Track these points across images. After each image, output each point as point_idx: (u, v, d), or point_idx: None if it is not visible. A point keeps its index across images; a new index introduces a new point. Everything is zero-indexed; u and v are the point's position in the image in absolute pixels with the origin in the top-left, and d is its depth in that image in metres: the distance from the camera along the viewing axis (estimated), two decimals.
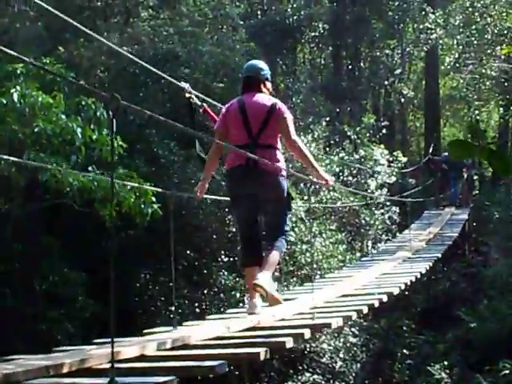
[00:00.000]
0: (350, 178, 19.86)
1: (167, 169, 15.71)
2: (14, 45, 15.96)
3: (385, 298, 9.04)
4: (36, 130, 11.66)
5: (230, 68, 17.80)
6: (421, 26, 26.87)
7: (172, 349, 5.63)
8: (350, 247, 18.45)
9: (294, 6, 26.11)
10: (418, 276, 12.15)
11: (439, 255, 15.31)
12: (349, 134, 21.79)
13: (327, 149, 20.06)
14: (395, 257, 14.47)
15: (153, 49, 17.18)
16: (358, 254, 18.36)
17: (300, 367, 15.61)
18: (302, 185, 16.17)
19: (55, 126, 11.67)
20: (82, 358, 4.93)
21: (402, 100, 30.46)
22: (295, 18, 25.18)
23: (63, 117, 11.71)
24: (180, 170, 15.63)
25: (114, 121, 3.97)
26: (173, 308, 8.28)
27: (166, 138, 15.99)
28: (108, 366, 4.52)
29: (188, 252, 15.54)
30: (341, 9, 27.42)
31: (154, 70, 8.10)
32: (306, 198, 16.03)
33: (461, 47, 26.00)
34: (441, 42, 28.11)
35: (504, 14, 23.86)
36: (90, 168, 11.99)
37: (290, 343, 5.86)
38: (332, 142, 21.50)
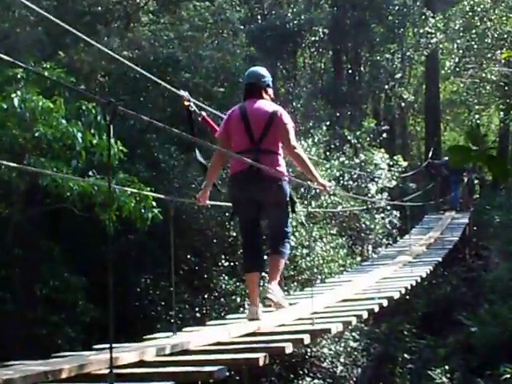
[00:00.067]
0: (351, 183, 19.85)
1: (168, 173, 15.71)
2: (14, 49, 15.98)
3: (385, 303, 9.03)
4: (36, 134, 11.68)
5: (231, 72, 17.83)
6: (421, 31, 26.89)
7: (171, 354, 5.63)
8: (350, 251, 18.44)
9: (294, 10, 26.10)
10: (419, 280, 12.14)
11: (440, 259, 15.29)
12: (349, 138, 21.80)
13: (327, 153, 20.07)
14: (395, 261, 14.46)
15: (153, 53, 17.18)
16: (359, 259, 18.34)
17: (301, 372, 15.59)
18: (302, 189, 16.16)
19: (56, 131, 11.69)
20: (81, 363, 4.92)
21: (403, 104, 30.49)
22: (295, 22, 25.17)
23: (63, 121, 11.72)
24: (180, 175, 15.63)
25: (113, 125, 3.97)
26: (173, 313, 8.25)
27: (167, 143, 16.00)
28: (107, 371, 4.51)
29: (188, 256, 15.54)
30: (341, 13, 27.44)
31: (152, 76, 8.07)
32: (306, 202, 16.03)
33: (461, 51, 25.93)
34: (441, 46, 28.09)
35: (504, 18, 23.82)
36: (90, 173, 12.00)
37: (289, 348, 5.86)
38: (332, 146, 21.52)
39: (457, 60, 26.10)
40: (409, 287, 11.10)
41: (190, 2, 19.35)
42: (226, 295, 15.12)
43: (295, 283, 15.41)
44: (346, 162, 20.08)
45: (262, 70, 7.73)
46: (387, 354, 18.50)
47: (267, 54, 23.16)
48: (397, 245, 18.91)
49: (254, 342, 6.19)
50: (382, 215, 20.44)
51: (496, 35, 23.50)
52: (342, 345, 16.23)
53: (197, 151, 7.97)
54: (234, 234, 15.28)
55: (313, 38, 27.54)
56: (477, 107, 27.59)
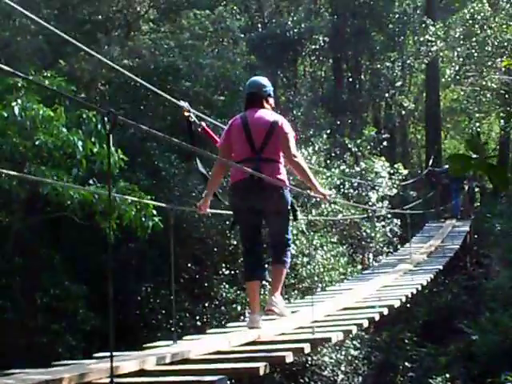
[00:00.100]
0: (351, 191, 19.84)
1: (168, 182, 15.72)
2: (15, 58, 16.01)
3: (385, 311, 9.02)
4: (37, 143, 11.68)
5: (231, 81, 17.85)
6: (421, 39, 26.87)
7: (171, 363, 5.61)
8: (351, 260, 18.43)
9: (295, 18, 26.14)
10: (419, 288, 12.13)
11: (440, 267, 15.27)
12: (349, 146, 21.81)
13: (328, 161, 20.06)
14: (396, 269, 14.44)
15: (154, 62, 17.20)
16: (359, 267, 18.33)
17: (301, 380, 15.56)
18: (302, 198, 16.17)
19: (56, 139, 11.69)
20: (82, 372, 4.91)
21: (403, 112, 30.50)
22: (296, 30, 25.20)
23: (64, 130, 11.73)
24: (181, 183, 15.64)
25: (113, 134, 3.98)
26: (174, 321, 8.24)
27: (167, 151, 16.02)
28: (107, 380, 4.52)
29: (189, 265, 15.55)
30: (341, 21, 27.49)
31: (151, 87, 8.08)
32: (306, 210, 16.02)
33: (461, 59, 25.94)
34: (441, 54, 28.09)
35: (504, 26, 23.83)
36: (90, 181, 12.00)
37: (289, 358, 5.84)
38: (333, 154, 21.52)
39: (457, 68, 26.11)
40: (409, 295, 11.08)
41: (191, 11, 19.37)
42: (227, 304, 15.11)
43: (296, 291, 15.40)
44: (347, 170, 20.08)
45: (263, 80, 7.75)
46: (388, 362, 18.49)
47: (267, 63, 23.19)
48: (397, 253, 18.89)
49: (254, 351, 6.18)
50: (383, 223, 20.44)
51: (496, 43, 23.52)
52: (343, 353, 16.21)
53: (198, 161, 7.97)
54: (235, 243, 15.28)
55: (313, 47, 27.59)
56: (477, 115, 27.60)
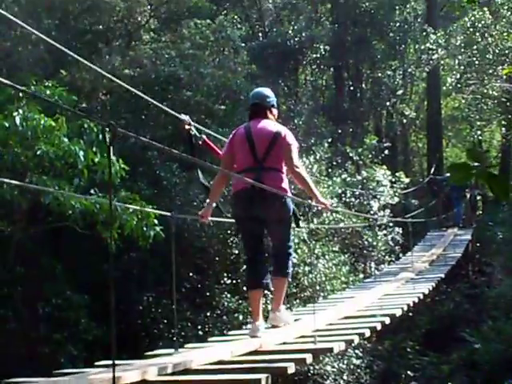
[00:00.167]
0: (353, 200, 19.83)
1: (169, 191, 15.72)
2: (16, 68, 16.03)
3: (387, 321, 9.00)
4: (38, 152, 11.68)
5: (232, 90, 17.86)
6: (422, 47, 26.92)
7: (173, 374, 5.59)
8: (352, 269, 18.41)
9: (295, 27, 26.18)
10: (421, 297, 12.10)
11: (442, 275, 15.25)
12: (351, 155, 21.82)
13: (329, 170, 20.06)
14: (398, 278, 14.43)
15: (155, 71, 17.22)
16: (361, 276, 18.30)
17: None
18: (304, 207, 16.16)
19: (57, 149, 11.70)
20: (84, 383, 4.90)
21: (404, 121, 30.53)
22: (296, 39, 25.24)
23: (65, 140, 11.74)
24: (182, 192, 15.64)
25: (114, 143, 3.98)
26: (175, 330, 8.25)
27: (168, 160, 16.02)
28: None
29: (191, 274, 15.53)
30: (342, 30, 27.51)
31: (152, 100, 8.09)
32: (308, 219, 16.01)
33: (462, 67, 26.00)
34: (442, 62, 28.17)
35: (505, 34, 23.88)
36: (92, 191, 12.00)
37: (291, 369, 5.82)
38: (334, 163, 21.51)
39: (458, 76, 26.18)
40: (411, 304, 11.07)
41: (191, 20, 19.39)
42: (229, 313, 15.09)
43: (297, 300, 15.37)
44: (348, 179, 20.08)
45: (267, 91, 7.84)
46: (390, 371, 18.44)
47: (268, 72, 23.22)
48: (399, 262, 18.87)
49: (256, 361, 6.16)
50: (385, 232, 20.42)
51: (497, 51, 23.56)
52: (345, 362, 16.17)
53: (200, 173, 8.01)
54: (236, 252, 15.28)
55: (314, 55, 27.61)
56: (479, 123, 27.64)
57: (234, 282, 15.64)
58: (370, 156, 21.92)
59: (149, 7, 20.19)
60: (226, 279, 15.68)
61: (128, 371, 5.27)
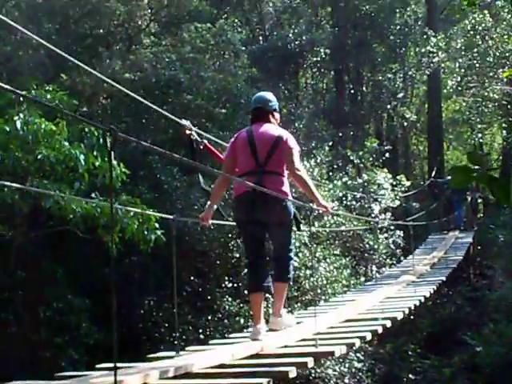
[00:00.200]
0: (354, 203, 19.81)
1: (170, 195, 15.72)
2: (17, 72, 16.04)
3: (388, 324, 8.98)
4: (39, 157, 11.70)
5: (232, 94, 17.87)
6: (422, 50, 26.89)
7: (175, 377, 5.59)
8: (354, 272, 18.38)
9: (296, 31, 26.18)
10: (422, 300, 12.08)
11: (443, 278, 15.22)
12: (352, 158, 21.81)
13: (330, 173, 20.05)
14: (399, 281, 14.41)
15: (155, 75, 17.23)
16: (363, 279, 18.28)
17: None
18: (305, 210, 16.15)
19: (58, 153, 11.71)
20: None
21: (405, 124, 30.52)
22: (297, 43, 25.25)
23: (66, 144, 11.75)
24: (183, 196, 15.64)
25: (115, 147, 3.97)
26: (176, 334, 8.23)
27: (169, 164, 16.02)
28: None
29: (192, 278, 15.53)
30: (342, 33, 27.52)
31: (153, 105, 8.10)
32: (309, 223, 16.01)
33: (463, 70, 25.97)
34: (443, 65, 28.10)
35: (506, 37, 23.87)
36: (93, 195, 12.00)
37: (293, 373, 5.81)
38: (335, 166, 21.52)
39: (459, 79, 26.13)
40: (412, 307, 11.05)
41: (192, 24, 19.40)
42: (230, 316, 15.09)
43: (299, 304, 15.36)
44: (349, 182, 20.07)
45: (269, 95, 7.87)
46: (392, 374, 18.43)
47: (269, 75, 23.23)
48: (400, 265, 18.85)
49: (257, 365, 6.15)
50: (386, 235, 20.40)
51: (498, 54, 23.55)
52: (347, 365, 16.15)
53: (201, 179, 8.03)
54: (237, 255, 15.28)
55: (314, 59, 27.62)
56: (479, 126, 27.59)
57: (235, 285, 15.64)
58: (370, 159, 21.91)
59: (149, 11, 20.20)
60: (227, 283, 15.68)
61: (130, 375, 5.27)
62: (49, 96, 12.64)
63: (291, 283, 8.21)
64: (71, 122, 12.43)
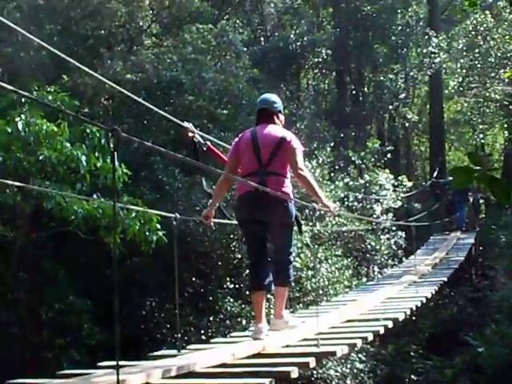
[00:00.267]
0: (356, 204, 19.81)
1: (172, 196, 15.72)
2: (18, 74, 16.04)
3: (390, 325, 8.98)
4: (41, 158, 11.70)
5: (234, 94, 17.87)
6: (424, 50, 26.91)
7: (177, 377, 5.59)
8: (355, 273, 18.38)
9: (297, 32, 26.15)
10: (424, 301, 12.08)
11: (445, 279, 15.22)
12: (353, 159, 21.80)
13: (332, 174, 20.04)
14: (401, 281, 14.41)
15: (157, 76, 17.24)
16: (364, 280, 18.28)
17: None
18: (307, 210, 16.13)
19: (60, 154, 11.71)
20: None
21: (407, 124, 30.49)
22: (298, 43, 25.23)
23: (68, 145, 11.75)
24: (184, 197, 15.64)
25: (118, 146, 3.97)
26: (178, 335, 8.25)
27: (171, 165, 16.02)
28: None
29: (193, 279, 15.54)
30: (344, 34, 27.48)
31: (154, 108, 8.07)
32: (311, 223, 16.01)
33: (464, 71, 26.02)
34: (444, 65, 28.16)
35: (507, 37, 23.91)
36: (94, 196, 12.01)
37: (295, 373, 5.81)
38: (337, 167, 21.50)
39: (460, 79, 26.19)
40: (414, 308, 11.05)
41: (193, 25, 19.41)
42: (231, 317, 15.08)
43: (300, 305, 15.35)
44: (351, 182, 20.07)
45: (274, 97, 7.91)
46: (394, 375, 18.41)
47: (270, 76, 23.22)
48: (402, 265, 18.85)
49: (259, 364, 6.15)
50: (388, 236, 20.39)
51: (499, 54, 23.58)
52: (349, 366, 16.15)
53: (204, 181, 8.05)
54: (239, 256, 15.27)
55: (316, 59, 27.58)
56: (481, 126, 27.63)
57: (237, 286, 15.64)
58: (372, 160, 21.91)
59: (150, 12, 20.20)
60: (228, 284, 15.69)
61: (132, 374, 5.27)
62: (50, 97, 12.64)
63: (293, 283, 8.22)
64: (73, 123, 12.43)
